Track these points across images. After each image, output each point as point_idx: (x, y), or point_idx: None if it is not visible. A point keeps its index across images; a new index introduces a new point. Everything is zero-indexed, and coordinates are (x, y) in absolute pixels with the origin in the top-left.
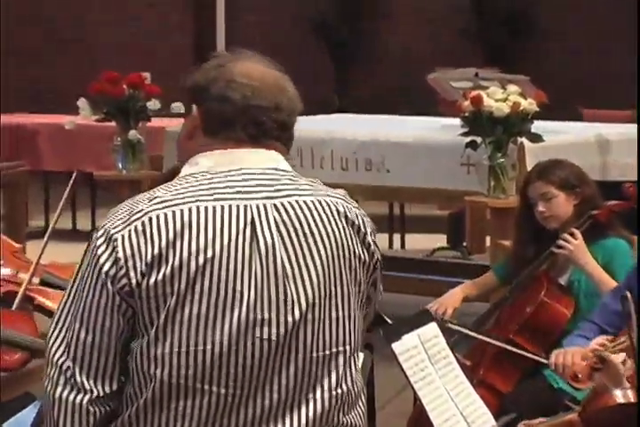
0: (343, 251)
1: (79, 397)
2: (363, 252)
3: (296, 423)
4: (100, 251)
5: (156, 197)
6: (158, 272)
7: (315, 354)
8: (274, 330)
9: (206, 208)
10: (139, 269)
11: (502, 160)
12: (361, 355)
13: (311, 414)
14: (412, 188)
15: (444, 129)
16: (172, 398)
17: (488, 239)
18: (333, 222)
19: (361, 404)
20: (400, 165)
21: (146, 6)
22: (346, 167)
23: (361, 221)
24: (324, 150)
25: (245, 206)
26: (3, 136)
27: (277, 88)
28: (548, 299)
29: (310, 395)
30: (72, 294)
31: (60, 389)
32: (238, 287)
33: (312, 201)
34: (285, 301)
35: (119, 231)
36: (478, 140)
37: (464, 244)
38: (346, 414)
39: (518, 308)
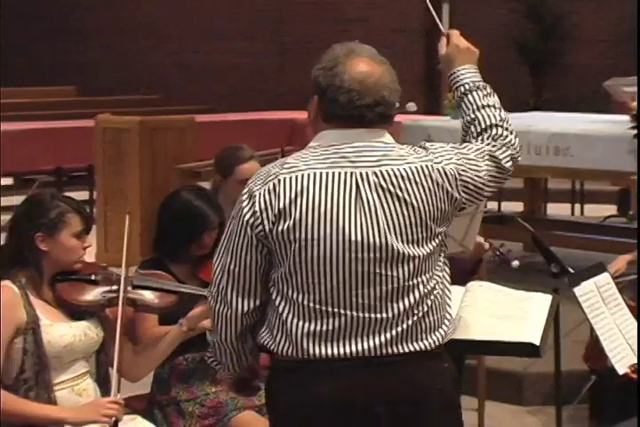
0: (429, 207)
1: (228, 311)
2: (447, 201)
3: (398, 330)
4: (243, 204)
5: (286, 163)
6: (284, 222)
7: (409, 283)
8: (377, 265)
9: (321, 174)
10: (270, 219)
11: None
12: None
13: (409, 322)
14: (590, 169)
15: (616, 124)
16: (307, 319)
17: None
18: (420, 185)
19: (438, 334)
20: (581, 151)
21: (391, 31)
22: (539, 153)
23: (445, 177)
24: (523, 140)
25: (352, 173)
26: (281, 128)
27: (377, 87)
28: None
29: (409, 312)
30: (226, 238)
31: (217, 304)
32: (347, 235)
33: (404, 169)
34: (385, 244)
35: (258, 189)
36: None
37: (630, 212)
38: (425, 337)
39: None
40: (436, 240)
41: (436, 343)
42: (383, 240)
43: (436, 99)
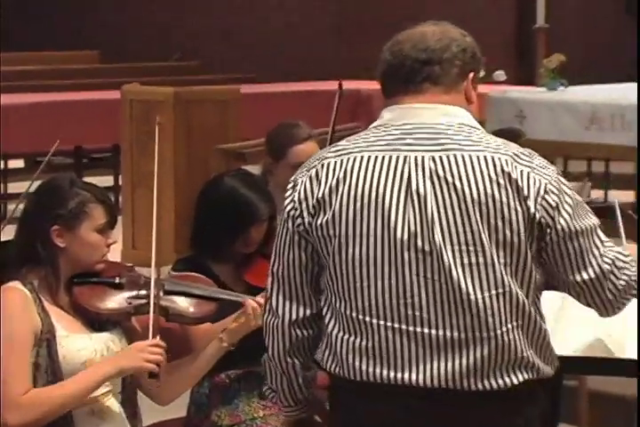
0: (494, 203)
1: (276, 320)
2: (520, 205)
3: (466, 360)
4: (287, 194)
5: (336, 145)
6: (324, 215)
7: (472, 297)
8: (429, 268)
9: (369, 157)
10: (309, 211)
11: None
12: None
13: (483, 351)
14: None
15: None
16: (349, 331)
17: None
18: (487, 177)
19: (526, 369)
20: None
21: None
22: None
23: (525, 181)
24: (630, 116)
25: (406, 157)
26: (343, 101)
27: (425, 38)
28: None
29: (477, 333)
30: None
31: (265, 313)
32: (392, 231)
33: (470, 156)
34: (435, 244)
35: (301, 177)
36: None
37: None
38: (522, 352)
39: None
40: (510, 248)
41: (518, 381)
42: (430, 239)
43: (529, 66)
